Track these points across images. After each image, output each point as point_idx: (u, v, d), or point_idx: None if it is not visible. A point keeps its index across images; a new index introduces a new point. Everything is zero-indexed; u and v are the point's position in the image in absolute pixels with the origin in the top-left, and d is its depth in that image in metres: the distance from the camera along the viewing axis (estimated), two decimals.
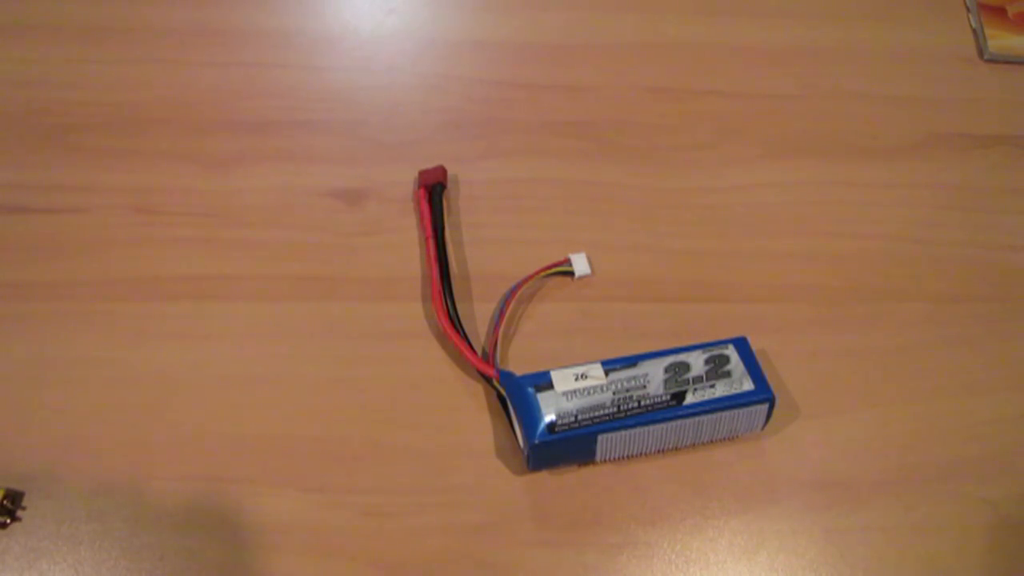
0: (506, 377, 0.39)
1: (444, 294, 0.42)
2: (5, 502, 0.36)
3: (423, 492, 0.38)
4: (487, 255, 0.45)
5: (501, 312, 0.42)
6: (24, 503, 0.37)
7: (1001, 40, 0.54)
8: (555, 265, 0.44)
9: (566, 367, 0.38)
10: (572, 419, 0.37)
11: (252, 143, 0.48)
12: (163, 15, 0.52)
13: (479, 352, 0.41)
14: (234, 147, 0.48)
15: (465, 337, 0.41)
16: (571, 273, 0.44)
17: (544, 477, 0.39)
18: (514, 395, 0.38)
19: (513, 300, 0.42)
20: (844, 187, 0.48)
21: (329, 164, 0.48)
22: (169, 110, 0.49)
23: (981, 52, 0.54)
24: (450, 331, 0.40)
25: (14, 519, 0.37)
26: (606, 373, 0.38)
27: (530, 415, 0.37)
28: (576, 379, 0.38)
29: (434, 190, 0.45)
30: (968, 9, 0.56)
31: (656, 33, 0.54)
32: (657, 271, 0.45)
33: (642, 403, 0.37)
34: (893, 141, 0.50)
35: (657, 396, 0.37)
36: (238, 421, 0.40)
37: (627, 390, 0.38)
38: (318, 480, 0.38)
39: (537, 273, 0.43)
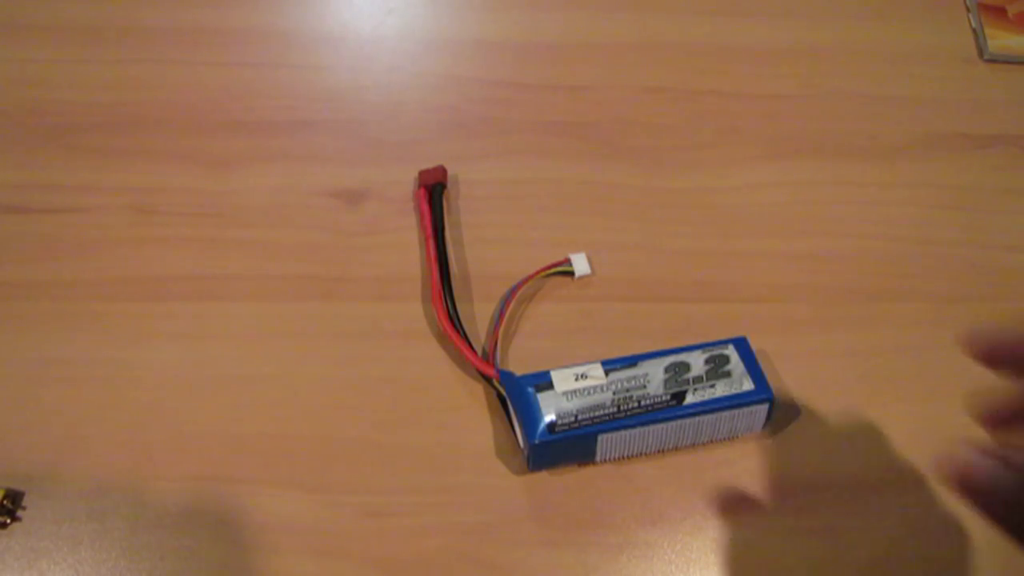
0: (506, 377, 0.39)
1: (444, 294, 0.42)
2: (5, 502, 0.36)
3: (423, 492, 0.38)
4: (487, 255, 0.45)
5: (501, 312, 0.42)
6: (24, 503, 0.37)
7: (1001, 40, 0.54)
8: (555, 265, 0.44)
9: (566, 367, 0.38)
10: (572, 419, 0.37)
11: (252, 143, 0.48)
12: (163, 15, 0.52)
13: (479, 352, 0.41)
14: (234, 147, 0.48)
15: (465, 337, 0.41)
16: (571, 273, 0.44)
17: (544, 477, 0.39)
18: (514, 395, 0.38)
19: (513, 300, 0.42)
20: (844, 187, 0.48)
21: (329, 164, 0.48)
22: (169, 110, 0.49)
23: (981, 52, 0.54)
24: (450, 331, 0.40)
25: (14, 519, 0.37)
26: (606, 373, 0.38)
27: (530, 415, 0.37)
28: (576, 379, 0.38)
29: (434, 190, 0.45)
30: (968, 9, 0.56)
31: (656, 33, 0.54)
32: (657, 271, 0.45)
33: (642, 403, 0.37)
34: (893, 141, 0.50)
35: (657, 396, 0.37)
36: (238, 421, 0.40)
37: (627, 390, 0.38)
38: (318, 480, 0.38)
39: (537, 273, 0.43)
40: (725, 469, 0.39)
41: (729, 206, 0.47)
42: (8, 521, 0.37)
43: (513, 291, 0.43)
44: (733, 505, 0.38)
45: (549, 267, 0.44)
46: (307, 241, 0.45)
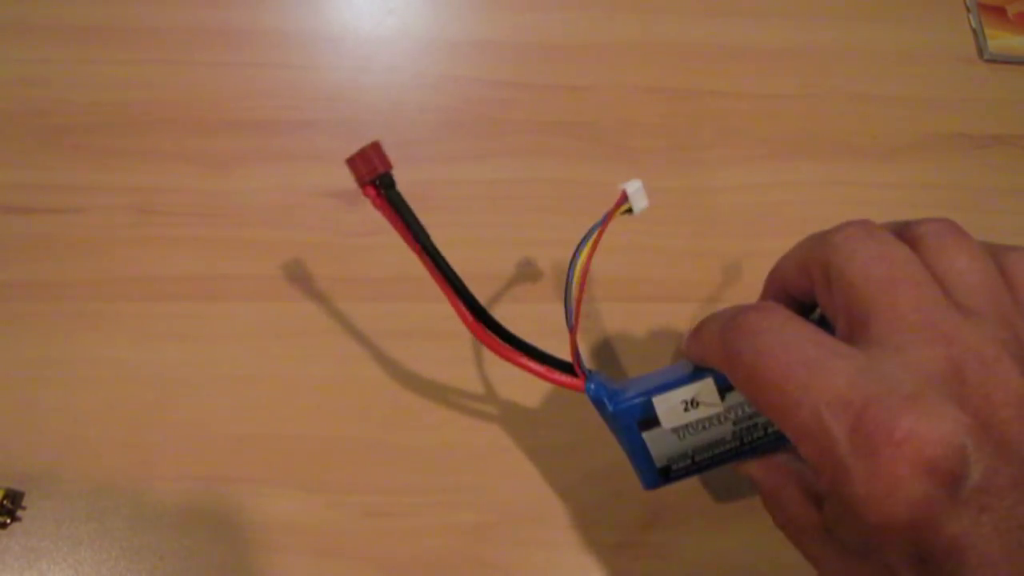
0: (599, 391, 0.31)
1: (467, 306, 0.31)
2: (5, 502, 0.36)
3: (423, 492, 0.38)
4: (486, 256, 0.45)
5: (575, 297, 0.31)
6: (24, 503, 0.37)
7: (1001, 40, 0.54)
8: (617, 207, 0.34)
9: (667, 388, 0.31)
10: (688, 462, 0.32)
11: (252, 143, 0.48)
12: (163, 15, 0.52)
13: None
14: (234, 147, 0.48)
15: (526, 346, 0.32)
16: (630, 211, 0.34)
17: (544, 477, 0.39)
18: (611, 421, 0.31)
19: (583, 266, 0.32)
20: (844, 187, 0.48)
21: (329, 164, 0.48)
22: (169, 110, 0.49)
23: (981, 52, 0.54)
24: (496, 345, 0.32)
25: (14, 519, 0.37)
26: (722, 396, 0.30)
27: (637, 458, 0.32)
28: (686, 408, 0.30)
29: (385, 185, 0.30)
30: (968, 9, 0.56)
31: (656, 33, 0.54)
32: (657, 271, 0.45)
33: (768, 430, 0.31)
34: (893, 141, 0.50)
35: None
36: (238, 421, 0.40)
37: (750, 416, 0.31)
38: (318, 480, 0.38)
39: (607, 223, 0.33)
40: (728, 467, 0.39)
41: (729, 206, 0.47)
42: (8, 521, 0.37)
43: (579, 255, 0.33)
44: (737, 503, 0.38)
45: (613, 211, 0.33)
46: (307, 241, 0.45)
